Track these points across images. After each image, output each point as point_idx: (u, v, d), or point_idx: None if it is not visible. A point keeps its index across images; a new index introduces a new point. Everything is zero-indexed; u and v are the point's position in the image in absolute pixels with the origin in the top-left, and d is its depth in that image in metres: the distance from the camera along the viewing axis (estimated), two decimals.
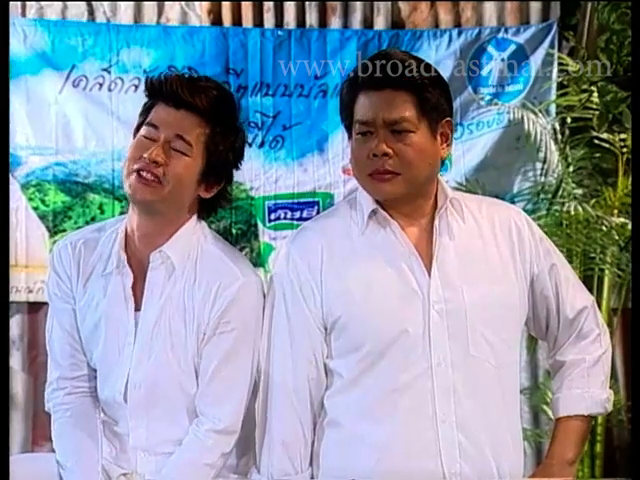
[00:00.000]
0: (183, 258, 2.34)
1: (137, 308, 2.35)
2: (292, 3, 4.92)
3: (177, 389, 2.34)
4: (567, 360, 2.39)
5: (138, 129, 2.35)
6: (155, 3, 4.86)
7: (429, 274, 2.25)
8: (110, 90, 4.75)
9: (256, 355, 2.34)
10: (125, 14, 4.83)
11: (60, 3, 4.78)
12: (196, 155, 2.31)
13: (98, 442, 2.38)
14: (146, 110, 2.34)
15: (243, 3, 4.90)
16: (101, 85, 4.77)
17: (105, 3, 4.82)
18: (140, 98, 2.42)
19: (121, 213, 4.57)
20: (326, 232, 2.32)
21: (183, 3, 4.87)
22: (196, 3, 4.88)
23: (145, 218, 2.34)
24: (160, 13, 4.87)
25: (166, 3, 4.88)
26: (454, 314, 2.24)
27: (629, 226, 4.35)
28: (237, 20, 4.90)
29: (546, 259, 2.36)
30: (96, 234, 2.43)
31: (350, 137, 2.30)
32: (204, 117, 2.31)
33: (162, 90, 2.31)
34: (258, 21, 4.91)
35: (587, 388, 2.37)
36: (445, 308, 2.24)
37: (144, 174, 2.27)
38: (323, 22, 4.95)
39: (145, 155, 2.27)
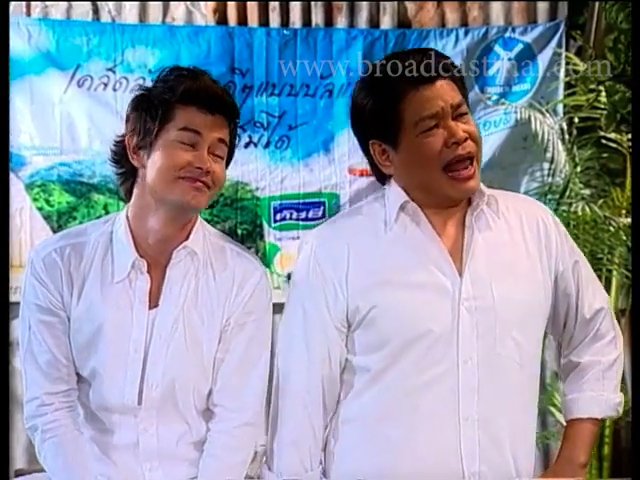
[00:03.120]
0: (204, 252, 2.36)
1: (151, 306, 2.33)
2: (298, 2, 4.91)
3: (190, 388, 2.33)
4: (582, 361, 2.37)
5: (148, 132, 2.29)
6: (160, 3, 4.85)
7: (459, 271, 2.23)
8: (115, 90, 4.74)
9: (269, 344, 2.37)
10: (130, 13, 4.82)
11: (65, 2, 4.77)
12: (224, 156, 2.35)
13: (90, 459, 2.34)
14: (166, 113, 2.28)
15: (248, 2, 4.89)
16: (106, 85, 4.75)
17: (110, 3, 4.81)
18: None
19: None
20: (351, 230, 2.29)
21: (188, 2, 4.86)
22: (201, 2, 4.87)
23: (177, 220, 2.32)
24: (165, 12, 4.86)
25: (171, 3, 4.87)
26: (483, 312, 2.21)
27: None
28: (242, 19, 4.89)
29: (571, 256, 2.34)
30: (81, 238, 2.37)
31: (389, 141, 2.23)
32: (228, 118, 2.32)
33: (199, 95, 2.27)
34: (264, 20, 4.90)
35: (601, 391, 2.35)
36: (474, 305, 2.21)
37: (195, 183, 2.26)
38: (329, 21, 4.94)
39: (196, 164, 2.25)
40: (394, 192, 2.28)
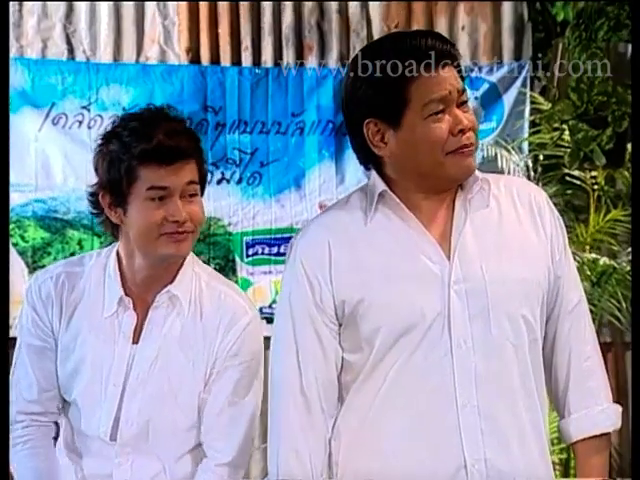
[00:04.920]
0: (188, 294, 2.35)
1: (134, 342, 2.35)
2: (269, 41, 4.99)
3: (169, 424, 2.35)
4: (573, 373, 2.25)
5: (119, 191, 2.27)
6: (134, 42, 4.91)
7: (448, 256, 2.16)
8: (89, 128, 4.79)
9: (261, 386, 2.37)
10: (104, 53, 4.88)
11: (40, 42, 4.83)
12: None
13: (59, 472, 2.38)
14: (129, 173, 2.25)
15: (221, 41, 4.97)
16: (80, 123, 4.81)
17: (85, 42, 4.87)
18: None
19: None
20: (332, 225, 2.22)
21: (162, 42, 4.93)
22: (174, 41, 4.94)
23: (163, 265, 2.33)
24: (139, 52, 4.92)
25: (145, 42, 4.93)
26: (474, 293, 2.14)
27: (600, 262, 4.42)
28: (215, 58, 4.96)
29: (564, 239, 2.26)
30: (76, 269, 2.40)
31: (390, 121, 2.14)
32: (192, 159, 2.31)
33: (155, 154, 2.25)
34: (236, 59, 4.98)
35: (608, 401, 2.24)
36: (464, 288, 2.14)
37: (176, 237, 2.27)
38: (300, 60, 5.03)
39: (171, 218, 2.25)
40: (374, 180, 2.20)
